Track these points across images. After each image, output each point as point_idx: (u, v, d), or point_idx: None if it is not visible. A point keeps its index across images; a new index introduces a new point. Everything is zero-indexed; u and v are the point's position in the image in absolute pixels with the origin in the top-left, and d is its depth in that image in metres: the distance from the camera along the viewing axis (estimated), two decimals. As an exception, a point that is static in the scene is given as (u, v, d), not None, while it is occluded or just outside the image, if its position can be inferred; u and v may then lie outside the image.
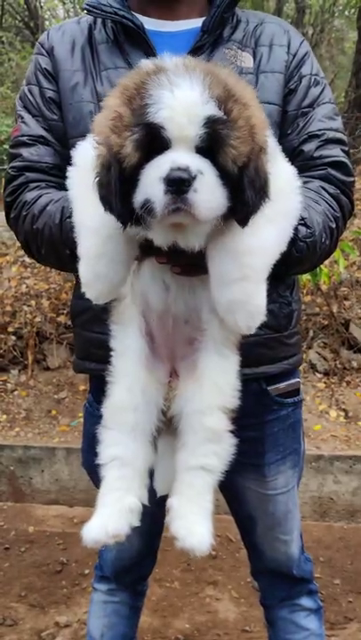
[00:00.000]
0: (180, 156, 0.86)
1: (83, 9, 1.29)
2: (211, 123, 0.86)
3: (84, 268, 1.03)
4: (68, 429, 3.61)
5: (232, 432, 1.10)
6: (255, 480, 1.36)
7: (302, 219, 1.10)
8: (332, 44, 9.97)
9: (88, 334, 1.32)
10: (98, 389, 1.34)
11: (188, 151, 0.87)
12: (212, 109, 0.86)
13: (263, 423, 1.32)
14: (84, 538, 1.06)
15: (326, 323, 4.05)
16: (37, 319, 4.09)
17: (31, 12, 10.55)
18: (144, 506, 1.43)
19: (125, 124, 0.89)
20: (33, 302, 4.23)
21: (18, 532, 2.90)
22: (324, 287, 4.02)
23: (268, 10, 10.00)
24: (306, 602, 1.54)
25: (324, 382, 3.84)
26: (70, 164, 1.18)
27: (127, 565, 1.54)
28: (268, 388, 1.30)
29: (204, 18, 1.26)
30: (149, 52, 1.22)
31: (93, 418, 1.37)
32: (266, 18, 1.35)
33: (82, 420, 1.50)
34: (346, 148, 1.29)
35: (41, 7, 11.04)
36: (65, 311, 4.15)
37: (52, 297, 4.27)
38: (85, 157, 1.00)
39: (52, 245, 1.20)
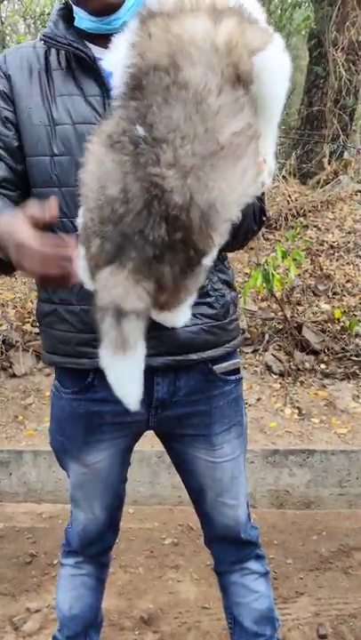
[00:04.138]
0: None
1: (40, 39, 1.38)
2: None
3: None
4: (34, 433, 3.71)
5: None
6: (204, 449, 1.52)
7: None
8: (288, 62, 10.36)
9: (54, 332, 1.44)
10: (62, 377, 1.52)
11: None
12: None
13: (210, 398, 1.48)
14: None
15: (281, 327, 4.26)
16: (3, 327, 4.17)
17: (-8, 27, 10.57)
18: (110, 481, 1.59)
19: None
20: (-1, 311, 4.31)
21: (-12, 529, 2.98)
22: (278, 293, 4.23)
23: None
24: (254, 565, 1.70)
25: (280, 383, 4.04)
26: (26, 180, 1.32)
27: (92, 538, 1.67)
28: (214, 367, 1.47)
29: None
30: (100, 79, 1.33)
31: (60, 401, 1.53)
32: None
33: (48, 424, 1.62)
34: None
35: (2, 23, 11.04)
36: (31, 319, 4.24)
37: (18, 306, 4.36)
38: None
39: None
